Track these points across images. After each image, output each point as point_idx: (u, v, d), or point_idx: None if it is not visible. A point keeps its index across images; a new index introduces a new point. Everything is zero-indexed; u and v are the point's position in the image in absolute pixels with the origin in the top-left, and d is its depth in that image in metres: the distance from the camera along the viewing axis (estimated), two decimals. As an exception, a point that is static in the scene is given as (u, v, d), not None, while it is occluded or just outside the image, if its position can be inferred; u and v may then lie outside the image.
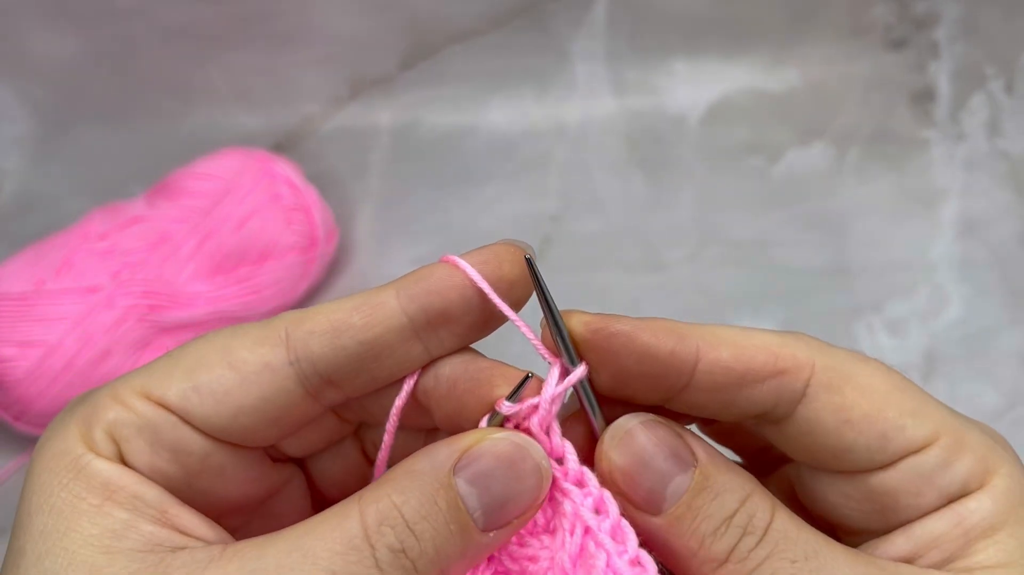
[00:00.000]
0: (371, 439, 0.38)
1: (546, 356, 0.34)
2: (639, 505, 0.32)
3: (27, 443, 0.69)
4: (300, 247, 0.74)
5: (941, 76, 0.85)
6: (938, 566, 0.32)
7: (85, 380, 0.66)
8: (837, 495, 0.34)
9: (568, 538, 0.32)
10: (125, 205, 0.73)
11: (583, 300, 0.79)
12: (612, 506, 0.32)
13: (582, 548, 0.32)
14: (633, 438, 0.33)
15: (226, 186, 0.73)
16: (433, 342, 0.34)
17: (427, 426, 0.36)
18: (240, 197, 0.72)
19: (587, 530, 0.32)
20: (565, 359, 0.34)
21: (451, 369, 0.34)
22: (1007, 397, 0.68)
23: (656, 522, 0.32)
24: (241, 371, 0.33)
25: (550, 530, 0.33)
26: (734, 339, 0.33)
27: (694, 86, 0.87)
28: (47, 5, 0.84)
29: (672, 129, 0.86)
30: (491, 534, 0.31)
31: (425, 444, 0.34)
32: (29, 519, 0.31)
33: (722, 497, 0.32)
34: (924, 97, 0.85)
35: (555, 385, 0.33)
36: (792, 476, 0.37)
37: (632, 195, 0.82)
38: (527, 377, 0.33)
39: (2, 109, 0.88)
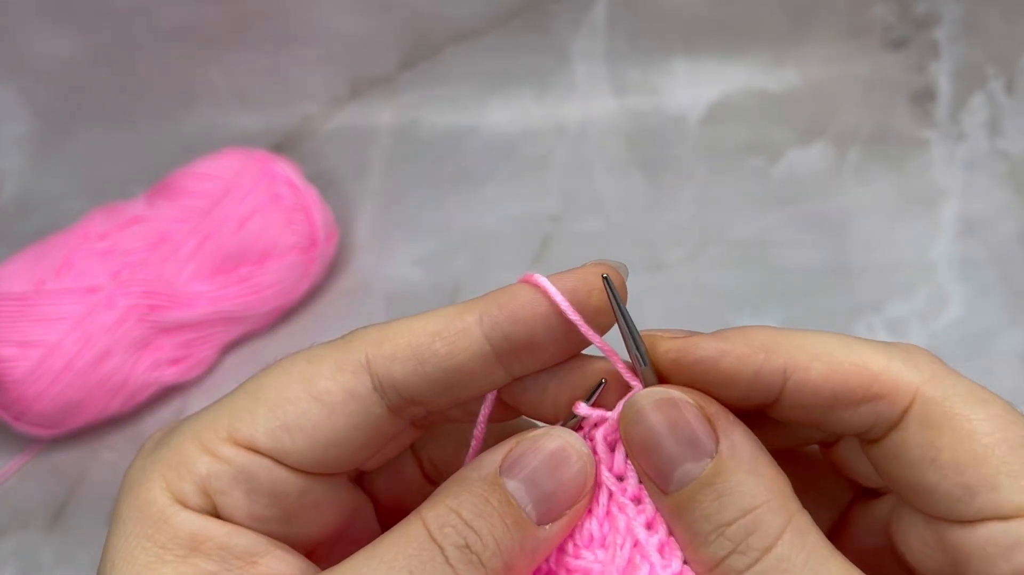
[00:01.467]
0: (428, 456, 0.38)
1: (631, 381, 0.34)
2: (651, 478, 0.32)
3: (27, 443, 0.69)
4: (300, 247, 0.74)
5: (941, 76, 0.85)
6: None
7: (85, 380, 0.66)
8: (916, 536, 0.32)
9: (618, 551, 0.32)
10: (125, 205, 0.73)
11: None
12: (663, 523, 0.32)
13: (629, 562, 0.32)
14: (644, 417, 0.31)
15: (226, 186, 0.73)
16: (516, 367, 0.33)
17: (513, 418, 0.36)
18: (240, 197, 0.72)
19: (636, 543, 0.32)
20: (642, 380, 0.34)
21: (540, 376, 0.34)
22: (1007, 397, 0.68)
23: (663, 500, 0.32)
24: (326, 403, 0.32)
25: (604, 545, 0.33)
26: (830, 354, 0.31)
27: (694, 86, 0.87)
28: (47, 5, 0.84)
29: (672, 129, 0.86)
30: (547, 527, 0.31)
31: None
32: (112, 570, 0.31)
33: (724, 500, 0.30)
34: (924, 97, 0.85)
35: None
36: (883, 506, 0.35)
37: (632, 195, 0.82)
38: (601, 383, 0.33)
39: (2, 109, 0.88)
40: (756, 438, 0.32)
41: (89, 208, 0.73)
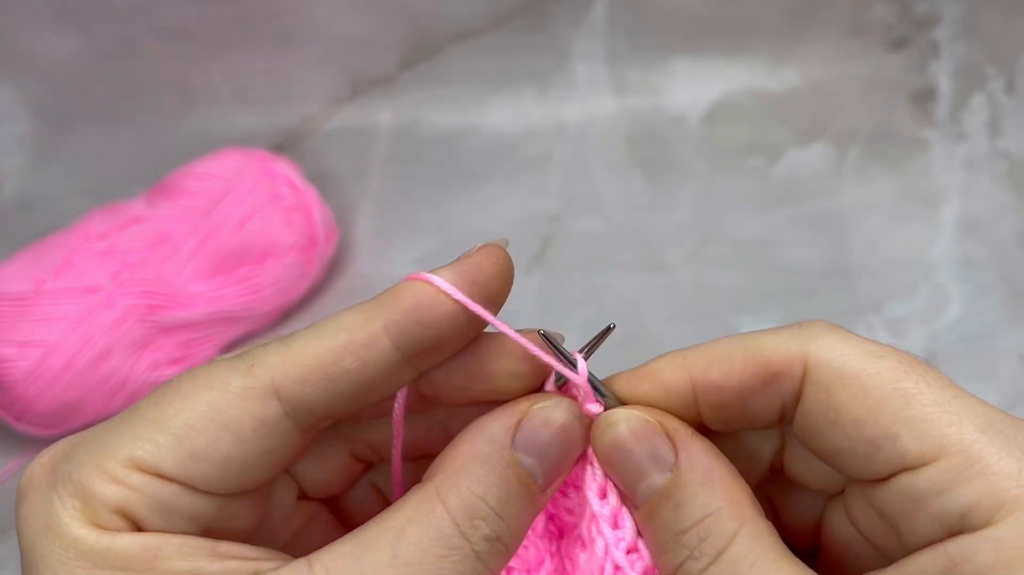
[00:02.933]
0: (361, 439, 0.38)
1: (551, 362, 0.34)
2: (622, 490, 0.33)
3: (27, 443, 0.69)
4: (300, 247, 0.74)
5: (941, 76, 0.85)
6: None
7: (85, 380, 0.66)
8: (860, 513, 0.32)
9: (596, 501, 0.34)
10: (125, 205, 0.73)
11: (583, 300, 0.79)
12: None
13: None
14: (615, 429, 0.33)
15: (226, 186, 0.73)
16: (424, 365, 0.33)
17: (427, 409, 0.36)
18: (240, 197, 0.72)
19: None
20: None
21: (466, 360, 0.34)
22: (1007, 397, 0.68)
23: (635, 513, 0.33)
24: (235, 431, 0.31)
25: (575, 484, 0.35)
26: (726, 353, 0.33)
27: (694, 86, 0.87)
28: (47, 5, 0.84)
29: (672, 129, 0.86)
30: (547, 491, 0.33)
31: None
32: None
33: (681, 510, 0.31)
34: (924, 97, 0.85)
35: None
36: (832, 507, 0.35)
37: (632, 195, 0.82)
38: (610, 327, 0.35)
39: (2, 109, 0.88)
40: (716, 450, 0.33)
41: (89, 208, 0.73)
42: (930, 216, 0.79)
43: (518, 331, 0.34)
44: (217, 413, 0.31)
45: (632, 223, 0.80)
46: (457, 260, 0.34)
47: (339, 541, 0.30)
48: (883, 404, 0.30)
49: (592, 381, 0.34)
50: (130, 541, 0.30)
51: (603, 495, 0.34)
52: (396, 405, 0.35)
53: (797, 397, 0.32)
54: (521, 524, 0.32)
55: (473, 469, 0.31)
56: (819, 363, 0.31)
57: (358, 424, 0.37)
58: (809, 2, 0.85)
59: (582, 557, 0.34)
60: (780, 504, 0.37)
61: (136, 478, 0.30)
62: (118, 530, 0.30)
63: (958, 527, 0.28)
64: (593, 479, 0.34)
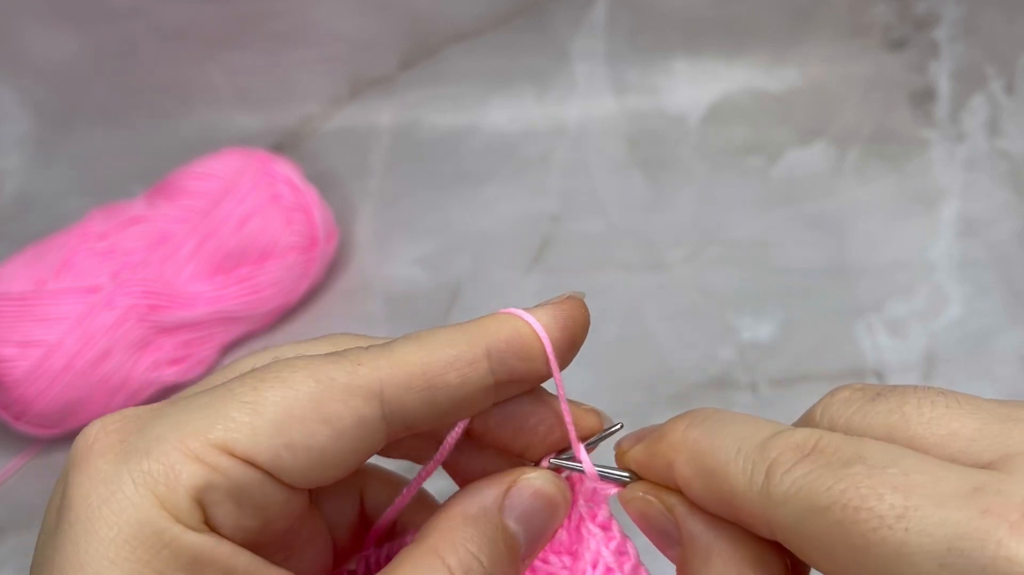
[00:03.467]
0: (372, 494, 0.39)
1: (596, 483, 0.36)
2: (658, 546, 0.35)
3: (27, 443, 0.69)
4: (300, 247, 0.74)
5: (941, 76, 0.85)
6: None
7: (85, 380, 0.66)
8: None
9: (590, 570, 0.35)
10: (125, 205, 0.73)
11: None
12: (632, 550, 0.35)
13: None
14: (628, 509, 0.35)
15: (226, 186, 0.73)
16: (503, 394, 0.35)
17: (465, 468, 0.37)
18: (240, 197, 0.72)
19: (608, 571, 0.35)
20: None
21: (522, 407, 0.35)
22: (1007, 397, 0.68)
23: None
24: (336, 427, 0.31)
25: (572, 552, 0.36)
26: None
27: (694, 86, 0.87)
28: (47, 5, 0.84)
29: (672, 129, 0.86)
30: (527, 559, 0.34)
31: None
32: None
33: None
34: (924, 97, 0.85)
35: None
36: None
37: (632, 195, 0.82)
38: (619, 427, 0.36)
39: (2, 109, 0.88)
40: (712, 519, 0.33)
41: (89, 208, 0.73)
42: (930, 216, 0.79)
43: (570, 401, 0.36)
44: (320, 405, 0.30)
45: (632, 223, 0.80)
46: (549, 303, 0.35)
47: None
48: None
49: (604, 475, 0.36)
50: (191, 540, 0.28)
51: (620, 552, 0.35)
52: (454, 430, 0.35)
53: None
54: None
55: (466, 530, 0.32)
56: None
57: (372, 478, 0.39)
58: (809, 2, 0.85)
59: None
60: None
61: (224, 461, 0.29)
62: (190, 519, 0.29)
63: None
64: (605, 544, 0.35)
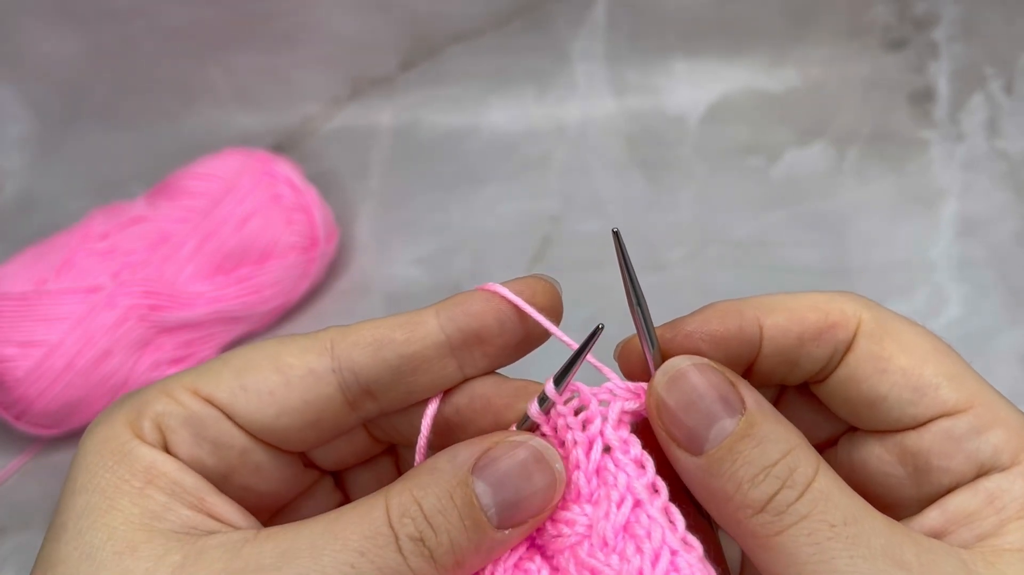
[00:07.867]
0: (408, 460, 0.40)
1: (603, 371, 0.36)
2: (681, 443, 0.33)
3: (27, 443, 0.69)
4: (300, 247, 0.74)
5: (941, 76, 0.85)
6: (968, 544, 0.33)
7: (86, 380, 0.66)
8: (875, 459, 0.36)
9: (615, 510, 0.33)
10: (125, 205, 0.73)
11: (583, 300, 0.79)
12: (664, 489, 0.34)
13: (628, 522, 0.33)
14: (685, 377, 0.34)
15: (226, 186, 0.73)
16: (467, 361, 0.36)
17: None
18: (240, 197, 0.72)
19: (638, 503, 0.33)
20: (647, 346, 0.36)
21: (486, 387, 0.37)
22: (1007, 397, 0.68)
23: (696, 462, 0.33)
24: (287, 374, 0.35)
25: (592, 501, 0.34)
26: (786, 304, 0.36)
27: (694, 86, 0.87)
28: (47, 5, 0.84)
29: (672, 129, 0.86)
30: (506, 531, 0.33)
31: None
32: (73, 498, 0.33)
33: (765, 446, 0.32)
34: (924, 97, 0.85)
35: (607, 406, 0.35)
36: (840, 455, 0.38)
37: (632, 195, 0.82)
38: (599, 328, 0.35)
39: (3, 109, 0.88)
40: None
41: (89, 208, 0.73)
42: (929, 216, 0.79)
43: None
44: (276, 357, 0.36)
45: (632, 223, 0.80)
46: (514, 280, 0.37)
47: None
48: (927, 358, 0.35)
49: (644, 324, 0.35)
50: (145, 452, 0.34)
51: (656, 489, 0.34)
52: (428, 408, 0.37)
53: (848, 347, 0.36)
54: (455, 545, 0.32)
55: (420, 478, 0.33)
56: (873, 320, 0.36)
57: (404, 446, 0.40)
58: (809, 2, 0.85)
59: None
60: None
61: (187, 397, 0.35)
62: (149, 438, 0.34)
63: (989, 466, 0.34)
64: (636, 476, 0.33)
